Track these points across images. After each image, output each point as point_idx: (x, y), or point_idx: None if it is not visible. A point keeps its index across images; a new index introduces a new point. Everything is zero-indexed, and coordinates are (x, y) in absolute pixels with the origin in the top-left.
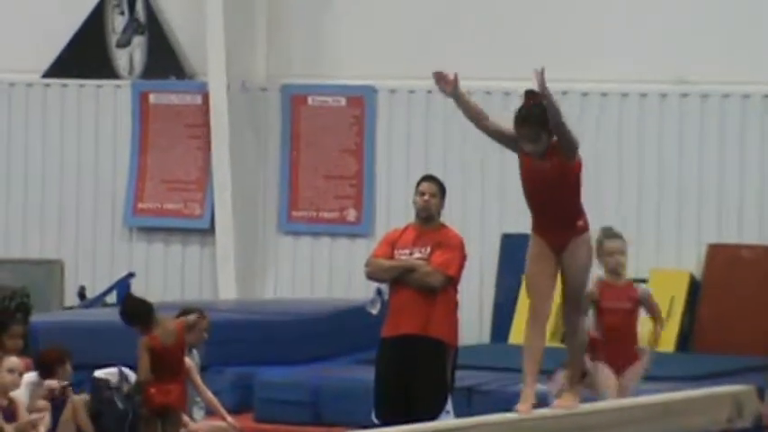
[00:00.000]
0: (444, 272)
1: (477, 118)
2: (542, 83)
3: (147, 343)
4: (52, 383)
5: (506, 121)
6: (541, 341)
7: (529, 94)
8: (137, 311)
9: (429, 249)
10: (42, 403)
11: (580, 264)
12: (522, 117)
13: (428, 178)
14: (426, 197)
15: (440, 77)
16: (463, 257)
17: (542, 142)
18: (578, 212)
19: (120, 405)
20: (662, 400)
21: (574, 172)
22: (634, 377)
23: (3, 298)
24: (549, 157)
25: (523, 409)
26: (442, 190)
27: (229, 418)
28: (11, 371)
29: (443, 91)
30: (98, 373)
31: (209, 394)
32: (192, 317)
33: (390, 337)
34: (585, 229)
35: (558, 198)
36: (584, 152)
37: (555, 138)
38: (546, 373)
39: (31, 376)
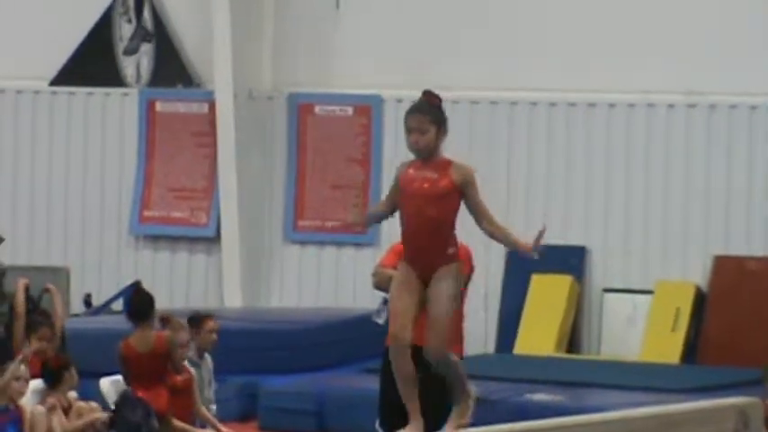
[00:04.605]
0: None
1: (390, 207)
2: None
3: (120, 350)
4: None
5: (513, 133)
6: (410, 367)
7: (427, 92)
8: (140, 307)
9: None
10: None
11: (442, 294)
12: (413, 107)
13: None
14: None
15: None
16: (471, 270)
17: (429, 136)
18: (453, 236)
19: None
20: (667, 412)
21: (457, 199)
22: None
23: (10, 305)
24: (437, 169)
25: None
26: None
27: (225, 430)
28: (17, 378)
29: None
30: (104, 382)
31: (204, 410)
32: (173, 334)
33: None
34: (455, 258)
35: (440, 214)
36: (592, 163)
37: (448, 158)
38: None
39: (37, 383)
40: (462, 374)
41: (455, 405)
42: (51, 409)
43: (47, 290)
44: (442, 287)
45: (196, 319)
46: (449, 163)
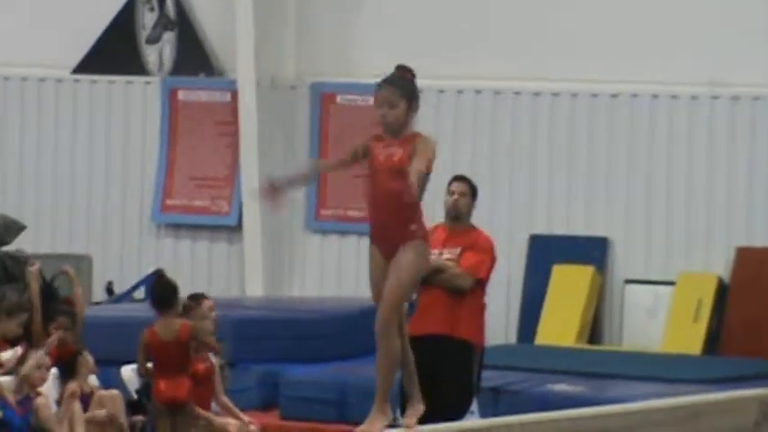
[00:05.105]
0: (474, 274)
1: (342, 166)
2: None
3: (144, 337)
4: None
5: (536, 123)
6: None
7: (400, 66)
8: (163, 295)
9: (459, 251)
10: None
11: (400, 264)
12: (384, 79)
13: (459, 178)
14: (456, 197)
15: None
16: (493, 260)
17: (399, 111)
18: (414, 214)
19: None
20: (688, 403)
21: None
22: None
23: None
24: (404, 144)
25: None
26: (472, 190)
27: (245, 418)
28: (38, 366)
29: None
30: (125, 369)
31: (225, 399)
32: (198, 322)
33: (417, 336)
34: (419, 236)
35: (397, 189)
36: (615, 154)
37: (416, 131)
38: None
39: (57, 371)
40: (397, 360)
41: (377, 394)
42: (71, 396)
43: (64, 272)
44: (401, 258)
45: (196, 300)
46: (416, 135)
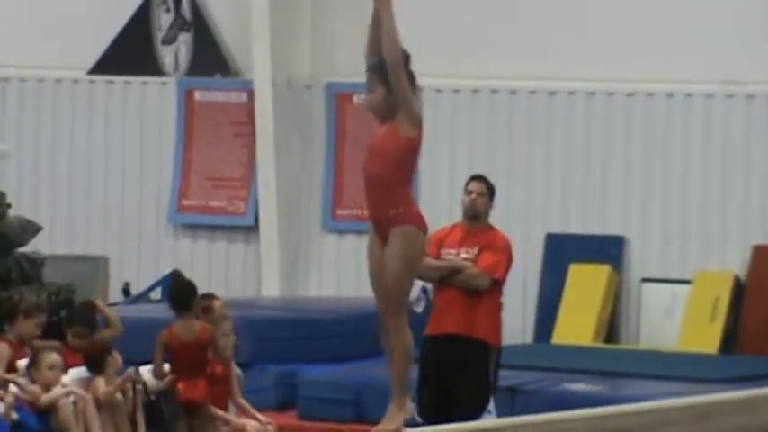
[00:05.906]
0: (491, 275)
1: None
2: None
3: (163, 338)
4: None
5: (552, 122)
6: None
7: None
8: (181, 295)
9: (476, 250)
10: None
11: (390, 256)
12: (366, 65)
13: (477, 178)
14: (474, 196)
15: None
16: (510, 261)
17: (377, 95)
18: (398, 197)
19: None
20: (704, 402)
21: (406, 144)
22: None
23: (48, 294)
24: (389, 124)
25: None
26: (490, 190)
27: (263, 418)
28: (51, 368)
29: None
30: (144, 370)
31: (242, 401)
32: (218, 324)
33: (434, 336)
34: (406, 221)
35: (380, 170)
36: (631, 153)
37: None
38: None
39: (80, 371)
40: (411, 353)
41: (394, 390)
42: (89, 388)
43: (94, 305)
44: (390, 250)
45: (208, 299)
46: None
